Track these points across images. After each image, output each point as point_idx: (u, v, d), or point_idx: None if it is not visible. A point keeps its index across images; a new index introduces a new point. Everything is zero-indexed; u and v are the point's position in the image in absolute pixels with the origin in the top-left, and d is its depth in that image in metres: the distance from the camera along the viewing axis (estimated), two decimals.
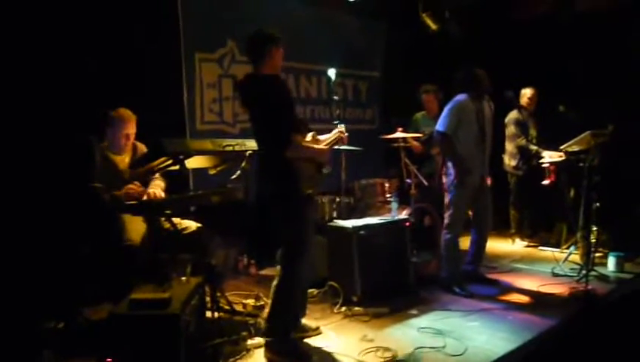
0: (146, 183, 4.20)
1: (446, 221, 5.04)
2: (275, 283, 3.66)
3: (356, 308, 4.45)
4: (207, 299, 3.72)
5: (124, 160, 4.25)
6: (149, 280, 3.40)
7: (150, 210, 3.90)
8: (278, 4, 6.17)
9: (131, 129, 4.22)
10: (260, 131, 3.58)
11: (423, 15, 7.38)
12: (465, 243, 5.27)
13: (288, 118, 3.55)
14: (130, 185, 4.04)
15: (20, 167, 4.07)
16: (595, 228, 5.23)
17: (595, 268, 5.23)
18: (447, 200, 5.05)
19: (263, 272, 5.54)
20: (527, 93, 6.63)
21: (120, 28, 4.73)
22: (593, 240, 5.24)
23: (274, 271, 3.83)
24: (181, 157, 3.60)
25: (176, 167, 3.71)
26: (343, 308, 4.47)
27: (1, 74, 4.08)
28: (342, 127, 4.04)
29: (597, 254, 5.44)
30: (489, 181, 5.25)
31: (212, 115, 5.83)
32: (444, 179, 5.14)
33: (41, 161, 4.13)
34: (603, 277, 5.22)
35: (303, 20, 6.41)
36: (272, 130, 3.48)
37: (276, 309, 3.62)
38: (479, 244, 5.24)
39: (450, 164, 4.99)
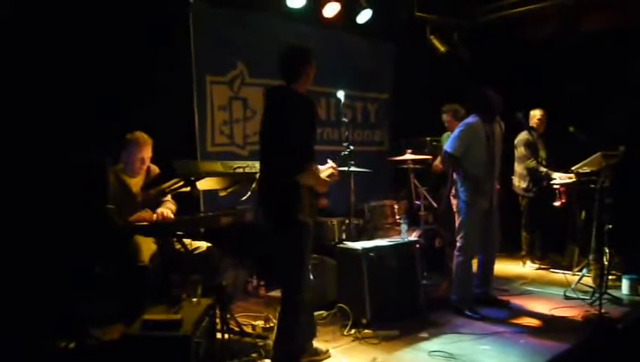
0: (157, 205, 4.23)
1: (459, 244, 5.01)
2: (279, 309, 3.62)
3: (366, 331, 4.42)
4: (217, 320, 3.71)
5: (137, 183, 4.28)
6: (160, 301, 3.40)
7: (161, 231, 3.93)
8: (287, 26, 6.25)
9: (147, 153, 4.26)
10: (278, 148, 3.46)
11: (431, 37, 7.46)
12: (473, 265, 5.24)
13: (313, 140, 3.50)
14: (142, 213, 4.07)
15: (36, 186, 4.10)
16: (607, 251, 5.18)
17: (609, 291, 5.17)
18: (458, 222, 5.03)
19: (272, 294, 5.53)
20: (536, 114, 6.64)
21: (133, 51, 4.81)
22: (606, 263, 5.20)
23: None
24: (192, 178, 3.62)
25: (187, 189, 3.73)
26: (353, 331, 4.43)
27: (18, 96, 4.13)
28: (332, 163, 3.92)
29: (610, 277, 5.39)
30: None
31: (222, 137, 5.88)
32: (453, 201, 5.13)
33: (56, 181, 4.16)
34: (616, 301, 5.16)
35: (312, 42, 6.42)
36: (295, 149, 3.40)
37: (282, 336, 3.56)
38: (487, 266, 5.21)
39: (460, 186, 4.99)
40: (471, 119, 5.00)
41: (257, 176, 3.69)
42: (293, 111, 3.47)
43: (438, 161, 6.12)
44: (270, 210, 3.55)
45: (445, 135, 6.40)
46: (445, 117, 6.30)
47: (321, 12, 6.35)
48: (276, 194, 3.48)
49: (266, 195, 3.55)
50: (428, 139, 6.52)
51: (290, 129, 3.42)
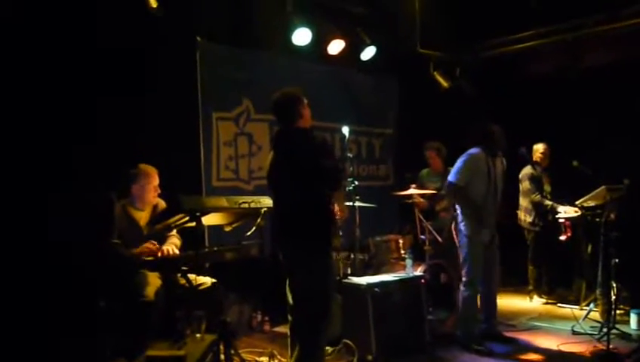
0: (163, 239, 4.26)
1: (464, 278, 4.98)
2: (296, 357, 3.59)
3: None
4: (221, 356, 3.69)
5: (144, 216, 4.33)
6: (164, 337, 3.40)
7: (166, 266, 3.94)
8: (291, 63, 6.35)
9: (157, 181, 4.38)
10: (304, 182, 3.57)
11: (435, 73, 7.56)
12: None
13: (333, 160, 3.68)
14: (147, 244, 4.11)
15: (43, 221, 4.14)
16: (614, 285, 5.14)
17: (617, 325, 5.10)
18: (462, 256, 5.02)
19: (277, 329, 5.50)
20: (539, 148, 6.67)
21: (140, 87, 4.88)
22: (613, 297, 5.15)
23: (287, 329, 3.81)
24: (198, 214, 3.65)
25: (193, 224, 3.75)
26: None
27: (25, 129, 4.20)
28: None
29: (618, 311, 5.34)
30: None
31: (228, 171, 5.92)
32: (455, 235, 5.13)
33: (64, 216, 4.20)
34: (625, 336, 5.09)
35: (317, 79, 6.56)
36: (321, 175, 3.54)
37: None
38: (488, 299, 5.17)
39: (460, 220, 5.00)
40: (473, 150, 5.02)
41: (274, 210, 3.76)
42: (300, 144, 3.64)
43: (419, 199, 6.04)
44: (302, 239, 3.59)
45: (425, 171, 6.42)
46: (429, 153, 6.33)
47: (325, 49, 6.46)
48: (312, 220, 3.56)
49: (295, 225, 3.61)
50: (408, 175, 6.51)
51: (308, 160, 3.55)
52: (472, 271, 4.94)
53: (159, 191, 4.40)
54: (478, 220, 4.91)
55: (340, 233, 4.61)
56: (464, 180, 4.91)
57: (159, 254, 4.08)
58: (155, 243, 4.16)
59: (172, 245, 4.25)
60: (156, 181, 4.38)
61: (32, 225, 4.11)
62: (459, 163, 5.01)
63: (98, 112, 4.59)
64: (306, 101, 3.78)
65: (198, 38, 5.56)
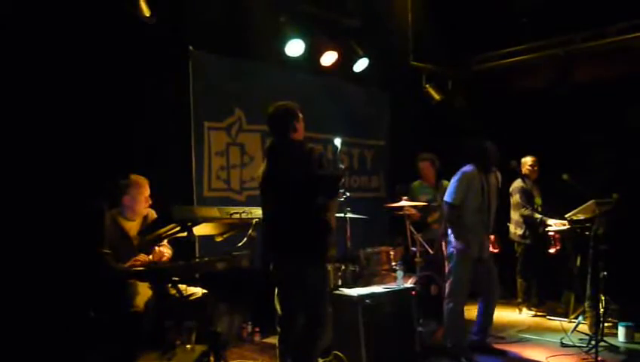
0: (153, 250, 4.25)
1: (447, 290, 5.04)
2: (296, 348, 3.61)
3: None
4: None
5: (134, 226, 4.32)
6: (153, 347, 3.38)
7: (156, 276, 3.92)
8: (284, 74, 6.37)
9: (147, 192, 4.37)
10: (301, 192, 3.60)
11: (427, 86, 7.62)
12: (471, 312, 5.22)
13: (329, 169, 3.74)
14: (137, 258, 4.10)
15: (33, 231, 4.12)
16: (603, 298, 5.18)
17: (605, 338, 5.15)
18: (447, 269, 5.05)
19: (267, 340, 5.48)
20: (527, 161, 6.71)
21: (131, 97, 4.89)
22: (602, 310, 5.18)
23: (277, 340, 3.81)
24: (189, 224, 3.64)
25: (184, 234, 3.74)
26: None
27: (17, 140, 4.19)
28: None
29: (606, 324, 5.37)
30: (495, 249, 5.28)
31: (219, 182, 5.91)
32: (444, 248, 5.16)
33: (53, 226, 4.19)
34: (613, 348, 5.13)
35: (310, 90, 6.57)
36: (320, 185, 3.59)
37: None
38: (486, 314, 5.20)
39: (450, 233, 5.03)
40: (467, 168, 5.07)
41: (266, 221, 3.77)
42: (297, 155, 3.69)
43: (411, 210, 6.03)
44: (303, 246, 3.63)
45: (417, 183, 6.43)
46: (423, 164, 6.33)
47: (318, 60, 6.49)
48: (310, 230, 3.61)
49: (294, 233, 3.64)
50: (399, 187, 6.52)
51: (304, 170, 3.59)
52: (456, 283, 4.97)
53: (150, 201, 4.39)
54: (467, 236, 4.95)
55: (335, 243, 4.62)
56: (459, 199, 4.96)
57: (151, 256, 4.07)
58: (145, 256, 4.15)
59: (164, 247, 4.26)
60: (147, 191, 4.37)
61: (22, 234, 4.09)
62: (453, 182, 5.06)
63: (89, 122, 4.58)
64: (301, 115, 3.83)
65: (191, 48, 5.57)
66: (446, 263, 5.08)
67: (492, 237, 5.32)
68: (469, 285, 5.05)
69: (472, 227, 4.97)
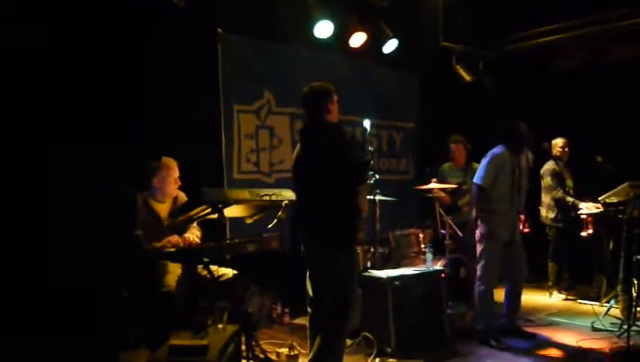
0: (184, 231, 4.32)
1: (479, 273, 5.00)
2: (317, 347, 3.63)
3: (390, 360, 4.42)
4: (243, 347, 3.73)
5: (165, 208, 4.38)
6: (186, 327, 3.45)
7: (188, 257, 3.99)
8: (313, 56, 6.36)
9: (177, 173, 4.42)
10: (331, 176, 3.59)
11: (457, 67, 7.51)
12: (501, 295, 5.20)
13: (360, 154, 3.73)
14: (169, 238, 4.16)
15: (68, 214, 4.21)
16: (636, 282, 5.10)
17: (637, 322, 5.07)
18: (478, 251, 5.03)
19: (297, 321, 5.54)
20: (558, 143, 6.61)
21: (162, 81, 4.92)
22: (634, 294, 5.11)
23: (306, 321, 3.85)
24: (220, 206, 3.69)
25: (215, 216, 3.79)
26: (377, 360, 4.43)
27: (51, 125, 4.26)
28: None
29: (639, 308, 5.29)
30: (526, 230, 5.23)
31: (249, 164, 5.95)
32: (476, 230, 5.13)
33: (87, 208, 4.27)
34: None
35: (338, 72, 6.54)
36: (349, 169, 3.58)
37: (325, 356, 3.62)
38: (513, 296, 5.17)
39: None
40: (497, 149, 5.01)
41: (298, 203, 3.80)
42: (329, 138, 3.67)
43: (440, 193, 5.95)
44: (332, 229, 3.61)
45: (447, 165, 6.36)
46: (455, 146, 6.24)
47: (347, 42, 6.44)
48: (340, 213, 3.60)
49: (322, 219, 3.63)
50: (428, 169, 6.48)
51: (335, 154, 3.58)
52: (487, 266, 4.94)
53: (179, 183, 4.44)
54: (497, 219, 4.91)
55: (365, 227, 4.66)
56: (489, 181, 4.91)
57: (182, 243, 4.13)
58: (177, 237, 4.21)
59: (193, 235, 4.31)
60: (176, 173, 4.42)
61: (58, 217, 4.18)
62: (483, 163, 5.00)
63: (121, 105, 4.64)
64: (335, 97, 3.81)
65: (220, 30, 5.59)
66: (477, 246, 5.04)
67: (522, 217, 5.27)
68: (499, 268, 5.03)
69: (502, 210, 4.92)
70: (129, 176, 4.40)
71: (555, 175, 6.48)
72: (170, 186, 4.38)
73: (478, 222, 5.02)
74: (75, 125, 4.37)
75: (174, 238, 4.19)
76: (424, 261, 5.13)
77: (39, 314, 3.96)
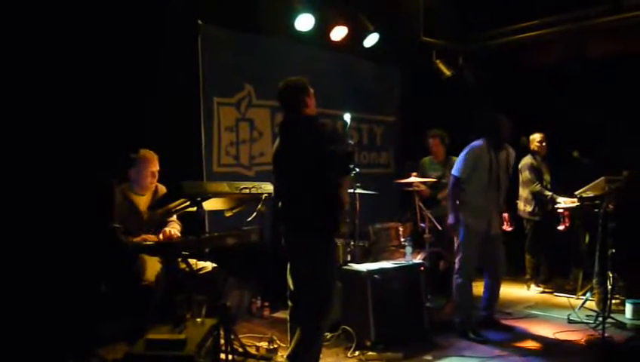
0: (163, 225, 4.29)
1: (457, 266, 5.05)
2: (297, 341, 3.63)
3: (370, 353, 4.44)
4: (221, 340, 3.72)
5: (144, 201, 4.34)
6: (164, 321, 3.43)
7: (167, 250, 3.97)
8: (294, 49, 6.33)
9: (155, 167, 4.36)
10: (312, 169, 3.57)
11: (437, 61, 7.54)
12: (479, 288, 5.25)
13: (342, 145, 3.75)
14: (145, 236, 4.12)
15: (43, 206, 4.15)
16: (611, 275, 5.18)
17: (612, 315, 5.16)
18: (456, 244, 5.07)
19: (276, 315, 5.54)
20: (536, 137, 6.67)
21: (142, 72, 4.87)
22: (609, 287, 5.19)
23: (286, 314, 3.85)
24: (199, 199, 3.67)
25: (194, 209, 3.77)
26: (357, 353, 4.45)
27: (25, 116, 4.20)
28: None
29: (614, 301, 5.38)
30: (509, 228, 5.29)
31: (229, 157, 5.92)
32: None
33: (63, 200, 4.22)
34: (620, 325, 5.14)
35: (319, 65, 6.53)
36: (331, 162, 3.56)
37: (302, 351, 3.61)
38: (492, 289, 5.22)
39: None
40: (476, 143, 5.04)
41: (278, 197, 3.78)
42: (309, 131, 3.68)
43: (421, 186, 6.00)
44: (313, 222, 3.60)
45: (427, 159, 6.42)
46: (432, 141, 6.33)
47: (328, 35, 6.42)
48: (320, 207, 3.58)
49: (303, 213, 3.61)
50: (409, 163, 6.52)
51: (316, 147, 3.57)
52: (465, 259, 4.98)
53: (157, 176, 4.38)
54: (474, 211, 4.96)
55: (348, 220, 4.67)
56: (466, 173, 4.95)
57: (161, 236, 4.10)
58: (154, 236, 4.17)
59: (173, 228, 4.28)
60: (154, 166, 4.35)
61: (32, 208, 4.13)
62: (461, 155, 5.04)
63: (99, 96, 4.58)
64: (312, 91, 3.80)
65: (200, 22, 5.54)
66: (455, 239, 5.08)
67: (505, 215, 5.31)
68: (477, 261, 5.07)
69: (478, 204, 4.96)
70: (106, 167, 4.36)
71: (534, 169, 6.54)
72: (146, 179, 4.32)
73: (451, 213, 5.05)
74: (53, 116, 4.32)
75: (151, 238, 4.15)
76: (404, 254, 5.15)
77: (16, 307, 3.92)
